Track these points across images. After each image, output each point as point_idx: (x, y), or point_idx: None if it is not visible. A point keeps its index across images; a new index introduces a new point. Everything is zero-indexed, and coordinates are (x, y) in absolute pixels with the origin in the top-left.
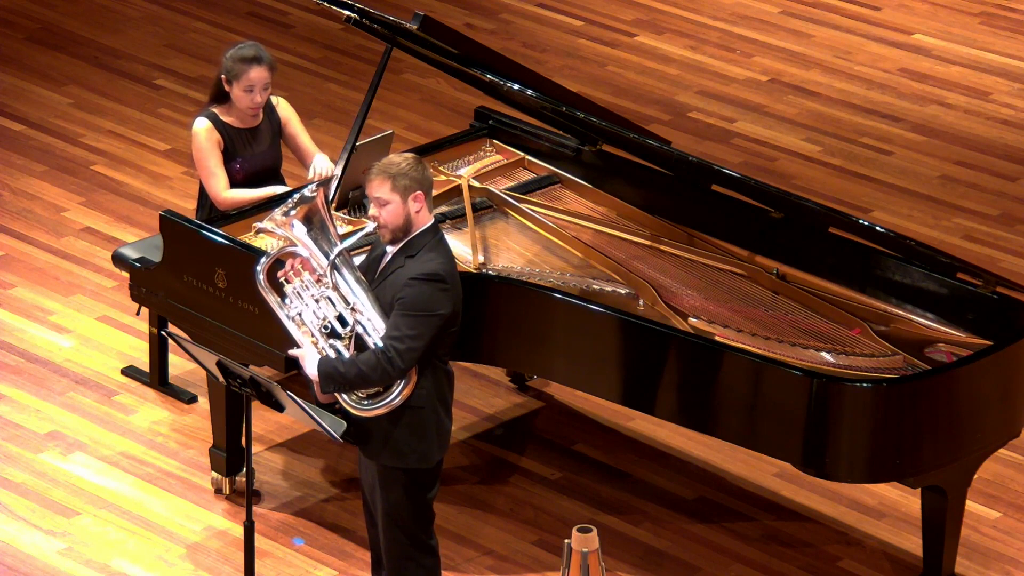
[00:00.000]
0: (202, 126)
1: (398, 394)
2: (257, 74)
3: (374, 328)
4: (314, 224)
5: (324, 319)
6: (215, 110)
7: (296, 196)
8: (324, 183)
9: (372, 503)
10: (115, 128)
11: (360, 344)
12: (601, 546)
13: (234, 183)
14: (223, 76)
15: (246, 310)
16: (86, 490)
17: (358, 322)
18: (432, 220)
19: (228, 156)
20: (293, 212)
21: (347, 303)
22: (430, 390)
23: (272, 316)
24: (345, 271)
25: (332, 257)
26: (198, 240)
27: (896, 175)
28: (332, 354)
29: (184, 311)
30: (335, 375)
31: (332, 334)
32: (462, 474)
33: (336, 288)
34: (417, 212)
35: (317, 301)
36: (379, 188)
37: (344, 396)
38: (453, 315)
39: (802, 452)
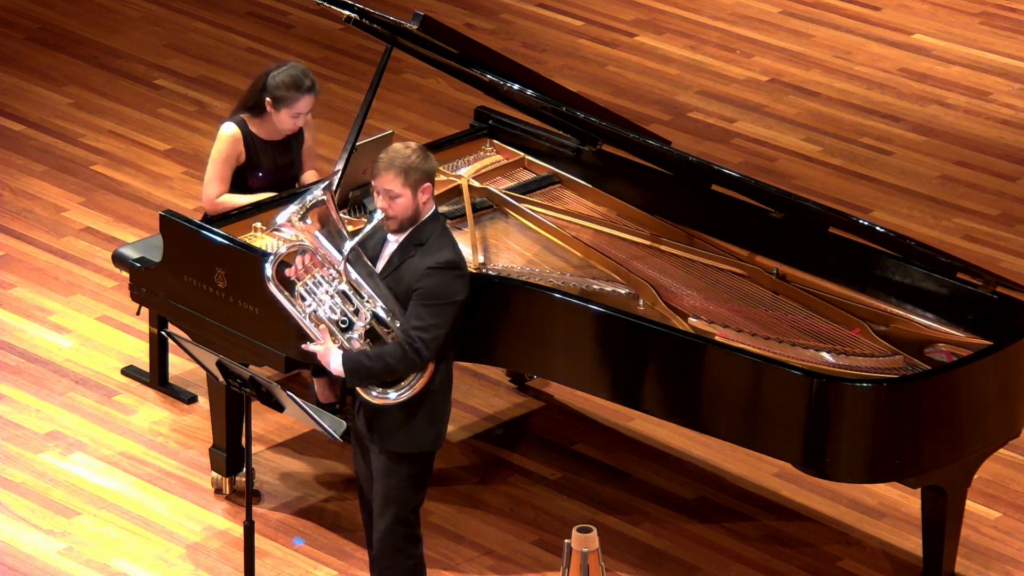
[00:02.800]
0: (230, 132)
1: (417, 380)
2: (308, 102)
3: (392, 318)
4: (326, 223)
5: (341, 314)
6: (245, 119)
7: (307, 198)
8: (329, 185)
9: (370, 495)
10: (115, 128)
11: (373, 337)
12: (601, 546)
13: (253, 191)
14: (268, 99)
15: (246, 310)
16: (86, 490)
17: (375, 314)
18: (435, 207)
19: (252, 167)
20: (308, 213)
21: (362, 296)
22: (443, 373)
23: (284, 315)
24: (358, 265)
25: (346, 252)
26: (198, 240)
27: (896, 175)
28: (351, 348)
29: (184, 311)
30: (360, 369)
31: (347, 328)
32: (462, 474)
33: (350, 282)
34: (424, 203)
35: (332, 297)
36: (391, 182)
37: (363, 388)
38: (467, 299)
39: (802, 452)
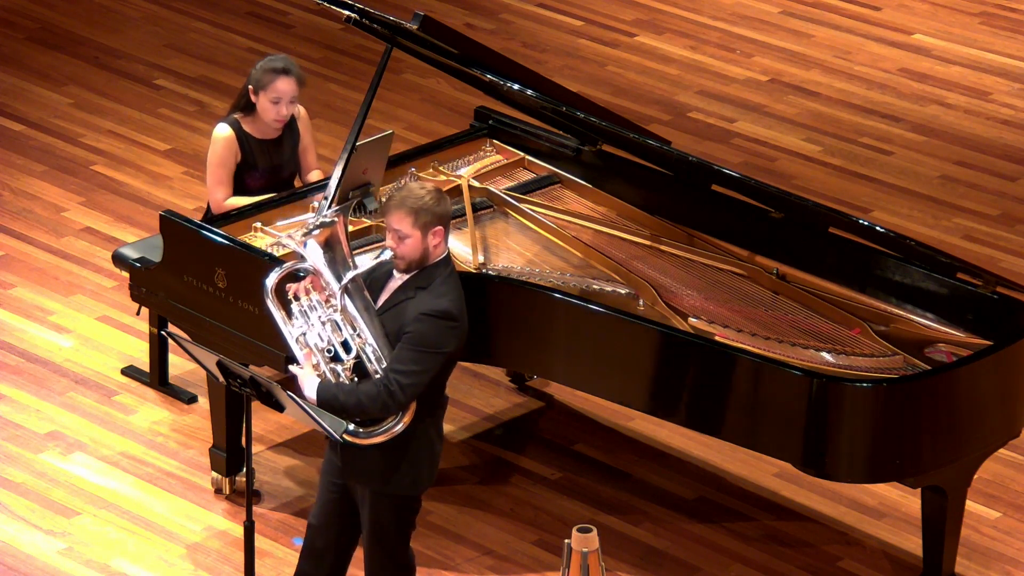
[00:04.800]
0: (223, 133)
1: (396, 424)
2: (285, 85)
3: (378, 358)
4: (331, 248)
5: (328, 342)
6: (238, 118)
7: (316, 219)
8: (343, 209)
9: (338, 507)
10: (115, 128)
11: (361, 371)
12: (601, 546)
13: (249, 190)
14: (250, 87)
15: (246, 310)
16: (86, 490)
17: (362, 350)
18: (447, 251)
19: (247, 166)
20: (314, 234)
21: (354, 329)
22: (427, 420)
23: (276, 331)
24: (356, 297)
25: (344, 282)
26: (198, 240)
27: (896, 175)
28: (332, 378)
29: (184, 311)
30: (334, 402)
31: (334, 358)
32: (462, 474)
33: (344, 312)
34: (435, 246)
35: (323, 323)
36: (400, 222)
37: None
38: (458, 351)
39: (802, 452)
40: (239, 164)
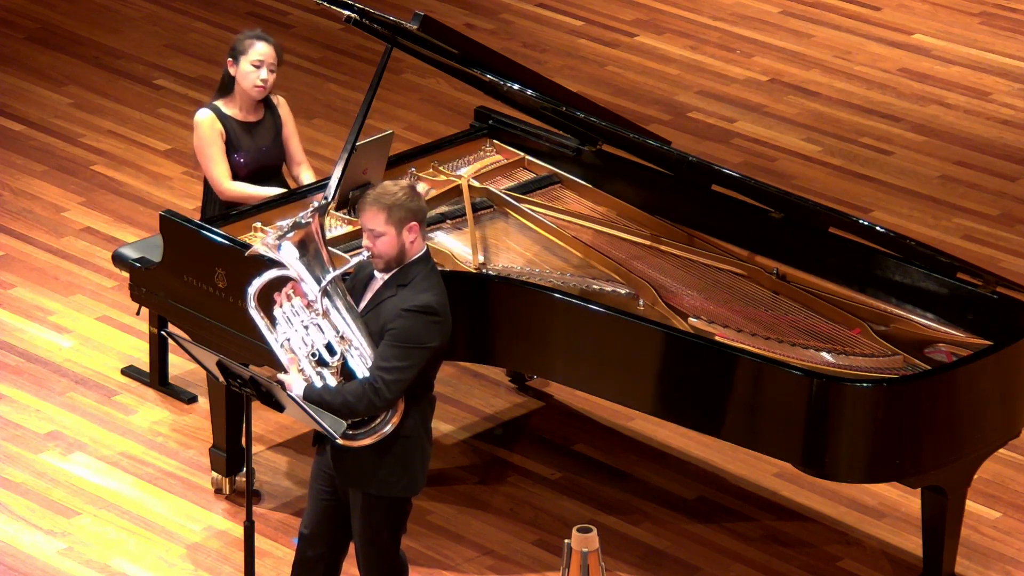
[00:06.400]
0: (204, 116)
1: (386, 423)
2: (266, 49)
3: (363, 357)
4: (308, 250)
5: (312, 346)
6: (217, 104)
7: (291, 221)
8: (319, 209)
9: (331, 515)
10: (115, 128)
11: (348, 373)
12: (601, 546)
13: (237, 177)
14: (229, 59)
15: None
16: (86, 490)
17: (347, 351)
18: (425, 248)
19: (231, 149)
20: (288, 236)
21: (336, 331)
22: (417, 419)
23: (261, 339)
24: (336, 299)
25: (323, 284)
26: (198, 240)
27: (896, 175)
28: (319, 382)
29: (184, 311)
30: (321, 404)
31: (320, 362)
32: (462, 474)
33: (326, 315)
34: (411, 243)
35: (307, 328)
36: (373, 220)
37: None
38: (442, 347)
39: (802, 452)
40: (225, 145)
